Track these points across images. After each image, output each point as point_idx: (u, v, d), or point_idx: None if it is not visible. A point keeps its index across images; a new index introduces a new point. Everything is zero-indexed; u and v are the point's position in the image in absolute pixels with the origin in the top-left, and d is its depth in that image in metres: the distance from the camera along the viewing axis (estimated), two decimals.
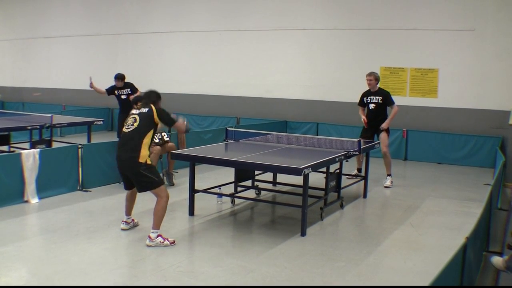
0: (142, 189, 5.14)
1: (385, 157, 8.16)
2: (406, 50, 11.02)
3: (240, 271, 4.47)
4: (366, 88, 8.30)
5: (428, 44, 10.75)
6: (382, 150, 8.07)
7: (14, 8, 16.90)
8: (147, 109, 5.17)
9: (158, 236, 5.01)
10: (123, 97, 10.25)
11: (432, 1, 10.68)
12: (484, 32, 10.24)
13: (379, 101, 8.15)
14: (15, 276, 4.30)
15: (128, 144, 5.03)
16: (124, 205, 5.55)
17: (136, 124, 5.07)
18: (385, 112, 8.24)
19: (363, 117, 8.26)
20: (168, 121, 5.32)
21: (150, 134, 5.10)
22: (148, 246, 4.97)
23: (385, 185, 8.10)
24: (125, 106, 10.29)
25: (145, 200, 6.85)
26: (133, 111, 5.31)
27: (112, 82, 10.19)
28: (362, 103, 8.36)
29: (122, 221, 5.54)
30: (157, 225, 5.04)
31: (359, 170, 8.43)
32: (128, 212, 5.53)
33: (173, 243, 5.05)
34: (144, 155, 5.00)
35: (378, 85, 8.27)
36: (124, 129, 5.15)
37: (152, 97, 5.34)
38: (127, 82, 10.39)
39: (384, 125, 8.08)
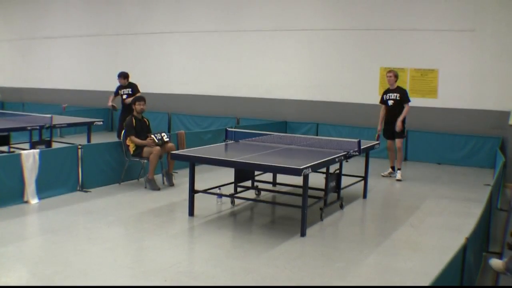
0: None
1: (399, 152, 8.60)
2: (406, 50, 11.02)
3: (240, 272, 4.47)
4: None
5: (428, 44, 10.74)
6: (398, 146, 8.57)
7: (14, 8, 16.89)
8: None
9: None
10: (124, 96, 10.16)
11: (432, 1, 10.67)
12: (484, 32, 10.24)
13: (397, 98, 8.58)
14: (15, 276, 4.30)
15: None
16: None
17: None
18: (403, 109, 8.61)
19: (379, 127, 8.78)
20: None
21: None
22: None
23: (397, 178, 8.55)
24: (126, 106, 10.24)
25: (146, 200, 6.87)
26: None
27: (113, 81, 10.13)
28: (383, 101, 8.79)
29: None
30: None
31: (393, 168, 8.84)
32: None
33: None
34: None
35: (397, 83, 8.72)
36: None
37: None
38: (131, 82, 10.32)
39: (398, 127, 8.48)
